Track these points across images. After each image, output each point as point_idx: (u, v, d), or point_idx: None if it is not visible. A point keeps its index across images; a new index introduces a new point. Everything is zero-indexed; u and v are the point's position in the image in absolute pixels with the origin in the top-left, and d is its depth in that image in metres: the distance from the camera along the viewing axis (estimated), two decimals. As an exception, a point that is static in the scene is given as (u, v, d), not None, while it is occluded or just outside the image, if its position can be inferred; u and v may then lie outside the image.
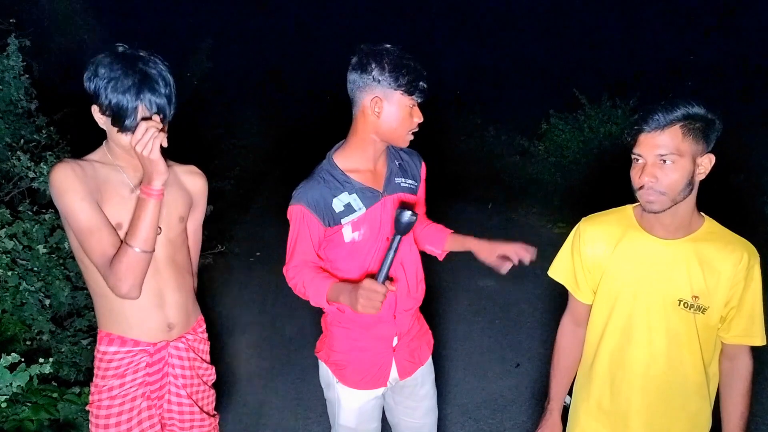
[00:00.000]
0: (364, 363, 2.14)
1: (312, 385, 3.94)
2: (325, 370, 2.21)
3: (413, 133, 1.99)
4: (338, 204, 1.97)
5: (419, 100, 1.92)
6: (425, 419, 2.34)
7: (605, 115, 7.59)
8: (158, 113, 1.69)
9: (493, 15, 18.92)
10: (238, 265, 6.21)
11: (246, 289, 5.66)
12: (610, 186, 5.69)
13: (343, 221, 1.98)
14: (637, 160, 1.68)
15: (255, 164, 10.70)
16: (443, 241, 2.27)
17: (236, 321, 4.93)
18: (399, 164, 2.13)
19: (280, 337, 4.67)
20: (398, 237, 1.75)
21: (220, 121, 10.44)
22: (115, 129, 1.69)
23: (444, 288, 5.32)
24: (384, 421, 2.38)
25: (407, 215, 1.71)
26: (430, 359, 2.33)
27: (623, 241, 1.81)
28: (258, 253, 6.51)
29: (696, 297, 1.71)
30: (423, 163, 2.24)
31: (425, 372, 2.29)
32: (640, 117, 1.66)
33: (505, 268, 2.09)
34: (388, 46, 1.91)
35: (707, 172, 1.67)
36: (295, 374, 4.10)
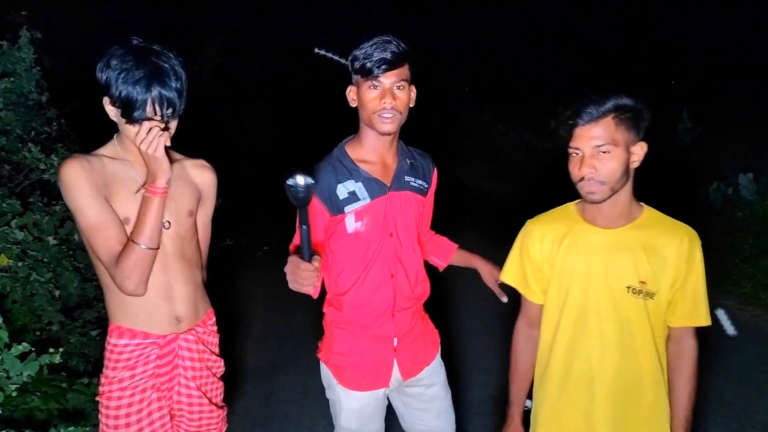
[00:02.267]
0: (365, 364, 2.11)
1: (318, 379, 3.90)
2: (325, 371, 2.19)
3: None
4: (342, 190, 1.96)
5: (379, 76, 1.87)
6: (438, 422, 2.27)
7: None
8: (168, 107, 1.70)
9: (502, 11, 18.85)
10: (246, 259, 6.23)
11: (253, 282, 5.68)
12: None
13: (346, 209, 1.96)
14: (575, 153, 1.73)
15: (264, 158, 10.72)
16: (449, 256, 2.30)
17: (243, 314, 4.95)
18: (411, 163, 2.11)
19: (287, 331, 4.69)
20: (304, 210, 1.67)
21: (229, 115, 10.46)
22: (124, 120, 1.70)
23: (452, 284, 5.32)
24: (395, 423, 2.38)
25: (301, 185, 1.61)
26: (437, 359, 2.27)
27: (569, 236, 1.85)
28: (265, 248, 6.53)
29: (643, 282, 1.75)
30: (435, 169, 2.22)
31: (432, 372, 2.23)
32: (573, 112, 1.71)
33: (504, 298, 2.19)
34: (373, 38, 1.90)
35: (641, 159, 1.73)
36: (301, 368, 4.12)
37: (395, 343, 2.12)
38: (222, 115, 10.03)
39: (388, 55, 1.85)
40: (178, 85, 1.72)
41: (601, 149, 1.67)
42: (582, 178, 1.71)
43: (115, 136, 1.83)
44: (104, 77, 1.68)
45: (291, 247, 2.00)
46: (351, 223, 1.98)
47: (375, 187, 1.98)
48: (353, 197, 1.96)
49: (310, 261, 1.71)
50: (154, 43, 1.74)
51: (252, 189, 8.80)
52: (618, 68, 13.70)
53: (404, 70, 1.91)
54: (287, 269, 1.77)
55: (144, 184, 1.74)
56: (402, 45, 1.88)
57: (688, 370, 1.82)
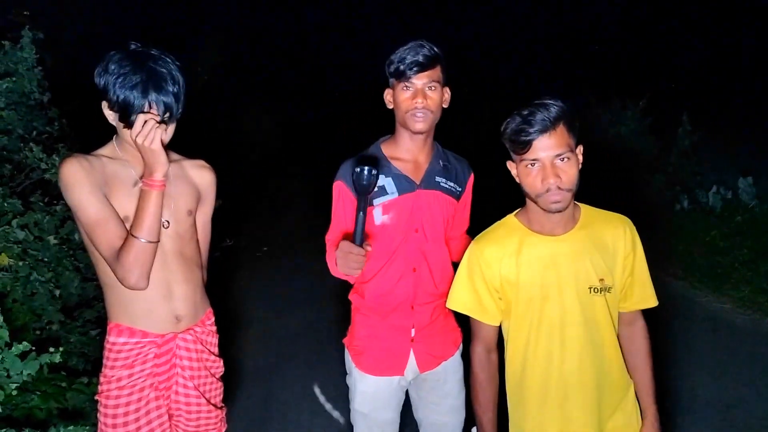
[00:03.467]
0: (381, 350, 2.19)
1: (317, 379, 3.96)
2: (347, 356, 2.29)
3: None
4: None
5: (411, 78, 2.00)
6: (448, 417, 2.32)
7: (614, 116, 7.58)
8: (165, 111, 1.71)
9: (498, 11, 18.85)
10: (246, 259, 6.24)
11: (253, 283, 5.69)
12: (621, 188, 5.73)
13: (375, 202, 2.07)
14: (533, 165, 1.69)
15: (263, 159, 10.73)
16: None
17: (243, 315, 4.96)
18: (444, 165, 2.19)
19: (285, 331, 4.70)
20: (363, 197, 1.85)
21: (229, 115, 10.47)
22: (122, 125, 1.72)
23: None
24: (410, 419, 2.40)
25: (365, 173, 1.80)
26: (457, 357, 2.31)
27: (524, 249, 1.81)
28: (265, 248, 6.54)
29: (602, 280, 1.77)
30: (472, 174, 2.30)
31: (449, 368, 2.28)
32: (523, 123, 1.66)
33: None
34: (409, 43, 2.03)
35: (582, 160, 1.74)
36: (300, 368, 4.13)
37: (413, 334, 2.18)
38: (222, 114, 10.03)
39: (420, 58, 1.98)
40: (175, 90, 1.73)
41: (562, 157, 1.66)
42: (547, 190, 1.67)
43: (114, 138, 1.85)
44: (102, 82, 1.70)
45: (330, 237, 2.14)
46: (378, 216, 2.09)
47: (404, 184, 2.09)
48: (382, 191, 2.07)
49: (361, 246, 1.83)
50: (152, 47, 1.75)
51: (252, 189, 8.81)
52: (617, 72, 13.72)
53: (436, 72, 2.02)
54: (339, 252, 1.89)
55: (141, 178, 1.75)
56: (434, 49, 2.01)
57: (645, 348, 1.90)
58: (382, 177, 2.05)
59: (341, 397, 3.74)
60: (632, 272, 1.82)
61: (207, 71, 10.30)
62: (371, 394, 2.22)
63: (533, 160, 1.68)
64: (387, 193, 2.07)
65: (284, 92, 16.12)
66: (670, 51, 15.00)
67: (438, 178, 2.15)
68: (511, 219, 1.90)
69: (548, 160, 1.67)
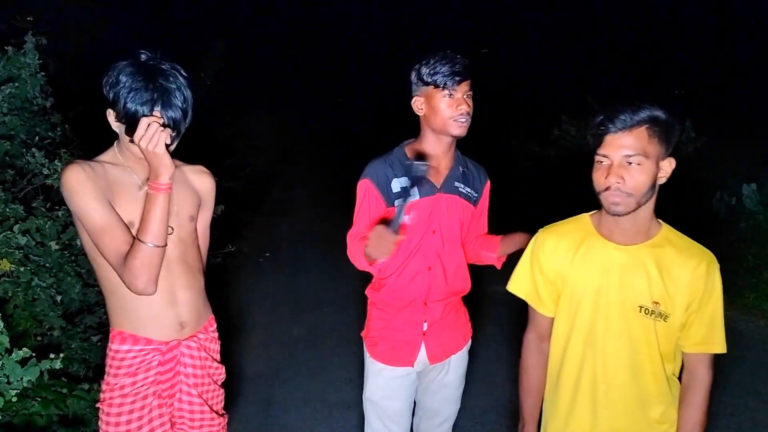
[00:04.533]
0: (395, 341, 2.28)
1: (319, 386, 3.95)
2: (364, 347, 2.39)
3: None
4: (396, 185, 2.17)
5: (453, 87, 2.10)
6: (443, 405, 2.44)
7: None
8: (174, 128, 1.72)
9: (504, 18, 18.89)
10: (248, 265, 6.23)
11: (255, 289, 5.68)
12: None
13: (396, 203, 2.14)
14: (602, 161, 1.66)
15: (266, 165, 10.74)
16: (495, 245, 2.36)
17: (244, 321, 4.95)
18: (463, 171, 2.29)
19: (287, 338, 4.69)
20: (411, 188, 1.98)
21: (232, 121, 10.49)
22: (128, 139, 1.71)
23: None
24: None
25: (420, 166, 1.89)
26: (464, 351, 2.42)
27: (582, 249, 1.79)
28: (267, 254, 6.53)
29: (656, 303, 1.70)
30: (488, 181, 2.39)
31: (454, 361, 2.38)
32: (605, 118, 1.64)
33: None
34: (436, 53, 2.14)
35: (668, 176, 1.67)
36: (302, 374, 4.11)
37: (425, 328, 2.28)
38: (225, 119, 10.05)
39: (458, 68, 2.09)
40: (184, 106, 1.73)
41: (632, 160, 1.60)
42: (608, 188, 1.63)
43: (115, 144, 1.84)
44: (112, 93, 1.69)
45: (354, 232, 2.18)
46: None
47: (426, 186, 2.17)
48: (405, 192, 2.13)
49: (396, 233, 1.87)
50: (161, 58, 1.75)
51: (255, 195, 8.81)
52: (622, 76, 13.72)
53: (470, 82, 2.15)
54: (373, 234, 1.90)
55: (147, 181, 1.74)
56: (466, 60, 2.13)
57: (697, 400, 1.75)
58: (405, 179, 2.15)
59: (343, 403, 3.73)
60: (699, 310, 1.69)
61: (211, 77, 10.32)
62: (382, 383, 2.31)
63: (604, 155, 1.64)
64: (409, 195, 2.11)
65: (288, 98, 16.17)
66: (673, 56, 15.00)
67: (457, 183, 2.25)
68: (584, 217, 1.87)
69: (617, 158, 1.61)
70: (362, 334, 2.42)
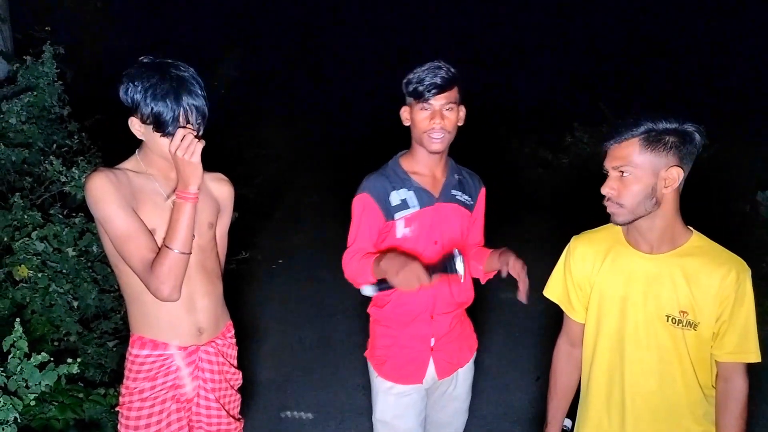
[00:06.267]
0: (403, 358, 2.23)
1: (331, 393, 3.95)
2: (369, 368, 2.33)
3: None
4: (395, 197, 2.12)
5: (429, 99, 2.04)
6: (453, 419, 2.42)
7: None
8: (198, 115, 1.73)
9: (515, 24, 18.89)
10: (261, 272, 6.25)
11: (267, 295, 5.70)
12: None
13: (396, 216, 2.11)
14: (605, 173, 1.71)
15: (279, 173, 10.78)
16: (483, 258, 2.28)
17: (258, 327, 4.96)
18: (459, 179, 2.26)
19: (300, 345, 4.70)
20: (454, 262, 1.92)
21: (245, 129, 10.54)
22: (158, 135, 1.72)
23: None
24: None
25: (458, 259, 1.92)
26: (471, 363, 2.39)
27: (609, 257, 1.81)
28: (280, 261, 6.54)
29: (684, 312, 1.69)
30: (483, 188, 2.35)
31: (461, 374, 2.35)
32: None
33: (523, 298, 2.06)
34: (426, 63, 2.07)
35: (675, 185, 1.65)
36: (314, 381, 4.12)
37: (432, 344, 2.23)
38: (239, 127, 10.11)
39: (438, 80, 2.02)
40: (203, 93, 1.76)
41: (623, 170, 1.64)
42: (606, 199, 1.70)
43: (137, 152, 1.86)
44: (130, 98, 1.71)
45: (357, 247, 2.12)
46: (401, 229, 2.13)
47: (424, 197, 2.14)
48: (404, 204, 2.12)
49: (431, 277, 1.87)
50: (164, 57, 1.77)
51: (268, 202, 8.85)
52: (635, 84, 13.66)
53: (453, 93, 2.07)
54: (409, 266, 1.85)
55: (175, 191, 1.76)
56: (452, 70, 2.06)
57: (734, 411, 1.71)
58: (404, 191, 2.12)
59: (355, 409, 3.74)
60: (731, 319, 1.66)
61: (224, 85, 10.40)
62: (393, 403, 2.26)
63: (604, 167, 1.71)
64: (409, 207, 2.11)
65: (301, 106, 16.22)
66: (687, 62, 14.93)
67: (454, 191, 2.21)
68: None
69: (611, 170, 1.68)
70: (366, 354, 2.35)
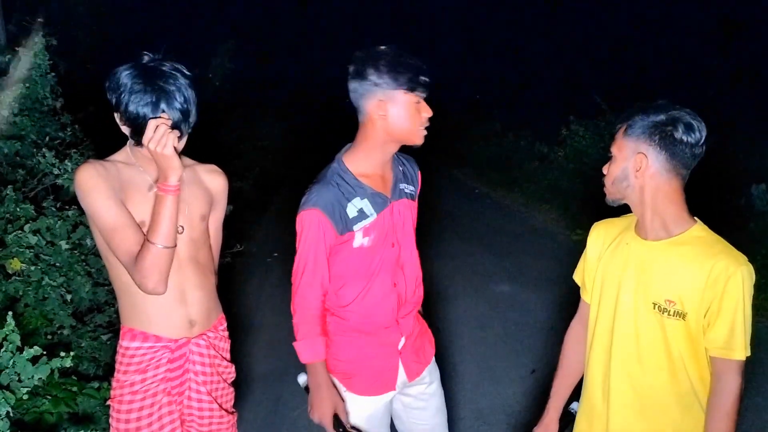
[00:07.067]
0: (372, 369, 2.12)
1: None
2: (333, 380, 2.14)
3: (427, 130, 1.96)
4: (352, 209, 1.94)
5: (423, 95, 1.90)
6: (435, 419, 2.31)
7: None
8: (174, 128, 1.71)
9: (511, 19, 18.87)
10: (256, 265, 6.24)
11: (263, 288, 5.70)
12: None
13: (355, 228, 1.95)
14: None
15: (274, 165, 10.75)
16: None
17: (252, 320, 4.96)
18: (402, 170, 2.13)
19: (295, 337, 4.69)
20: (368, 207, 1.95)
21: (240, 122, 10.51)
22: (134, 142, 1.73)
23: (460, 293, 5.31)
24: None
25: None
26: (433, 358, 2.33)
27: (615, 242, 1.86)
28: (275, 254, 6.54)
29: (670, 302, 1.67)
30: (419, 171, 2.24)
31: (431, 370, 2.29)
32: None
33: None
34: (383, 48, 1.90)
35: (648, 172, 1.68)
36: (310, 375, 4.11)
37: (400, 346, 2.15)
38: (234, 120, 10.07)
39: (425, 66, 1.88)
40: (185, 107, 1.72)
41: (610, 154, 1.78)
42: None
43: (128, 143, 1.85)
44: (114, 98, 1.71)
45: (307, 281, 2.00)
46: (359, 239, 1.97)
47: (379, 202, 1.99)
48: (362, 215, 1.96)
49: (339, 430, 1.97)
50: (163, 60, 1.75)
51: (263, 194, 8.83)
52: (632, 78, 13.67)
53: None
54: (325, 407, 2.04)
55: (156, 183, 1.75)
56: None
57: (723, 408, 1.65)
58: (358, 200, 1.95)
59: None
60: (719, 312, 1.62)
61: (219, 78, 10.36)
62: (366, 417, 2.14)
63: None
64: (367, 216, 1.96)
65: (296, 99, 16.18)
66: (676, 55, 14.93)
67: (401, 185, 2.09)
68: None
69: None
70: (328, 367, 2.11)
